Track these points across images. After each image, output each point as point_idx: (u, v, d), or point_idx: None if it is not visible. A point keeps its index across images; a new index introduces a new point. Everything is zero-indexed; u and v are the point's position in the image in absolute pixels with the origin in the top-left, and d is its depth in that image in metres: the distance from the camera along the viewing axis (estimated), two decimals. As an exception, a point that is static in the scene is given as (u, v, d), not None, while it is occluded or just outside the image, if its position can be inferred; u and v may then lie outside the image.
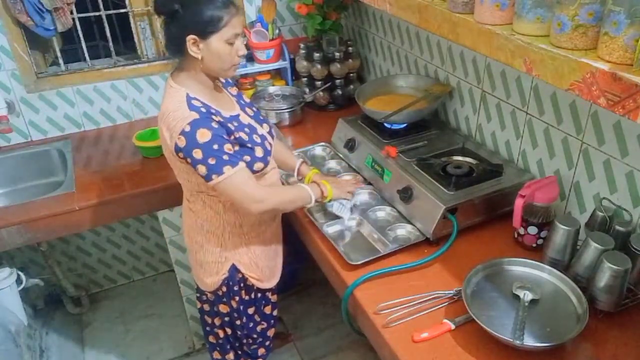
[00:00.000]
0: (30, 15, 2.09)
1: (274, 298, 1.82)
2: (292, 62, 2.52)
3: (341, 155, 2.01)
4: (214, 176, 1.39)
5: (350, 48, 2.46)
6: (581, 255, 1.32)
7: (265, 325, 1.82)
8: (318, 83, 2.45)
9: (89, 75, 2.37)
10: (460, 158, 1.76)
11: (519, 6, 1.09)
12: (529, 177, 1.66)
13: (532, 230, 1.49)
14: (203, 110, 1.41)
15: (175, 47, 1.43)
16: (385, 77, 2.32)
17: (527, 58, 1.07)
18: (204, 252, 1.62)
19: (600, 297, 1.25)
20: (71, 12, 2.21)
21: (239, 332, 1.77)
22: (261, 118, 1.65)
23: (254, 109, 1.66)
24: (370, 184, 1.83)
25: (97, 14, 2.31)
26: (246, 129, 1.52)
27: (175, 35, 1.40)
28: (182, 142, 1.37)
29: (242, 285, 1.66)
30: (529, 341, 1.20)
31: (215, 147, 1.38)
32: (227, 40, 1.41)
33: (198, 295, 1.81)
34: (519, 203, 1.46)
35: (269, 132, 1.63)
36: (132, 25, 2.39)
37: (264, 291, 1.74)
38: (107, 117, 2.47)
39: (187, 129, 1.36)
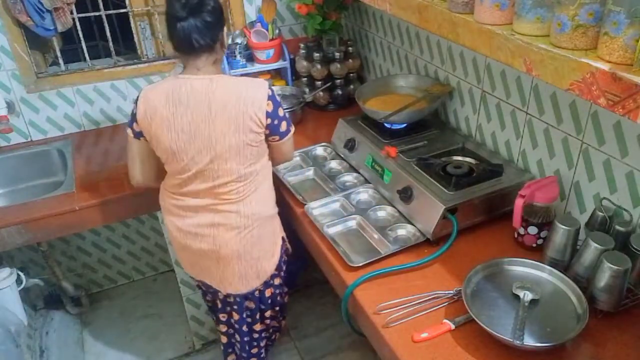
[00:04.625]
0: (30, 15, 2.09)
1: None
2: (292, 62, 2.52)
3: (342, 155, 2.01)
4: (291, 128, 1.63)
5: (350, 48, 2.46)
6: (581, 255, 1.32)
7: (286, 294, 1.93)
8: (318, 83, 2.45)
9: (89, 75, 2.37)
10: (460, 158, 1.76)
11: (519, 6, 1.09)
12: (529, 177, 1.66)
13: (532, 230, 1.49)
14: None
15: (211, 41, 1.50)
16: (385, 77, 2.32)
17: (527, 58, 1.07)
18: (264, 238, 1.66)
19: (600, 297, 1.25)
20: (71, 12, 2.21)
21: (278, 310, 1.86)
22: None
23: None
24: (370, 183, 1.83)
25: (97, 14, 2.31)
26: None
27: (216, 31, 1.51)
28: (270, 106, 1.52)
29: (283, 253, 1.76)
30: (529, 341, 1.20)
31: (281, 112, 1.58)
32: None
33: (240, 302, 1.73)
34: (519, 203, 1.46)
35: None
36: (132, 25, 2.39)
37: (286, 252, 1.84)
38: (107, 117, 2.47)
39: (270, 92, 1.53)
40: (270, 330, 1.98)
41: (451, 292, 1.38)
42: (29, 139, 2.37)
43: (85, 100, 2.40)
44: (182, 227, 1.63)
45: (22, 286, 2.11)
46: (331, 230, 1.65)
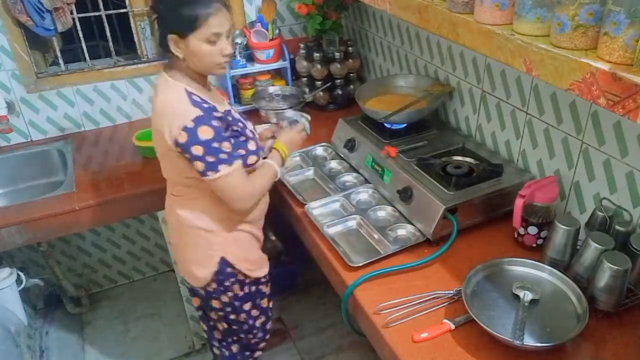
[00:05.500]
0: (30, 15, 2.09)
1: (268, 290, 1.83)
2: (292, 62, 2.52)
3: (342, 155, 2.01)
4: (209, 173, 1.43)
5: (350, 48, 2.46)
6: (581, 255, 1.32)
7: (263, 319, 1.83)
8: (318, 83, 2.45)
9: (89, 75, 2.37)
10: (460, 158, 1.76)
11: (519, 6, 1.09)
12: (529, 177, 1.66)
13: (532, 230, 1.49)
14: (205, 106, 1.43)
15: (163, 47, 1.45)
16: (385, 77, 2.32)
17: (527, 58, 1.07)
18: (194, 246, 1.62)
19: (600, 297, 1.25)
20: (71, 12, 2.21)
21: (234, 327, 1.77)
22: (243, 115, 1.70)
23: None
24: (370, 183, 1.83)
25: (97, 14, 2.31)
26: (239, 123, 1.57)
27: (161, 35, 1.43)
28: (183, 138, 1.39)
29: (233, 280, 1.66)
30: (529, 341, 1.20)
31: (215, 145, 1.41)
32: (207, 40, 1.40)
33: (191, 292, 1.82)
34: (519, 203, 1.46)
35: (253, 129, 1.69)
36: (132, 25, 2.39)
37: (257, 283, 1.75)
38: (107, 117, 2.47)
39: (190, 125, 1.38)
40: (234, 345, 1.89)
41: (451, 292, 1.38)
42: (29, 139, 2.37)
43: (85, 100, 2.39)
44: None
45: (22, 286, 2.11)
46: (331, 230, 1.64)
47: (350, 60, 2.46)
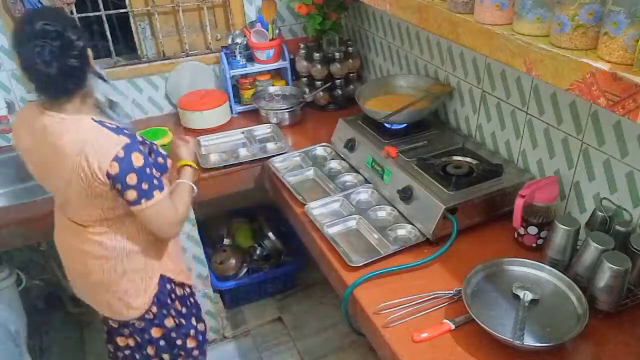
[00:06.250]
0: (30, 15, 2.09)
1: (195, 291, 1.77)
2: (292, 62, 2.52)
3: (342, 155, 2.01)
4: (143, 201, 1.35)
5: (350, 48, 2.46)
6: (581, 255, 1.32)
7: (203, 325, 1.75)
8: (318, 83, 2.46)
9: (89, 75, 2.37)
10: (460, 158, 1.76)
11: (519, 6, 1.09)
12: (529, 177, 1.66)
13: (532, 230, 1.49)
14: (127, 132, 1.35)
15: (78, 77, 1.33)
16: (385, 77, 2.32)
17: (527, 58, 1.07)
18: (127, 276, 1.50)
19: (600, 297, 1.25)
20: (71, 12, 2.21)
21: (182, 352, 1.66)
22: None
23: None
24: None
25: (97, 13, 2.31)
26: (156, 149, 1.51)
27: (75, 65, 1.30)
28: (114, 169, 1.29)
29: (173, 296, 1.60)
30: (529, 341, 1.20)
31: (148, 171, 1.35)
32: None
33: (114, 333, 1.63)
34: (519, 203, 1.46)
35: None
36: (132, 25, 2.39)
37: (192, 294, 1.71)
38: (107, 117, 2.47)
39: (121, 154, 1.30)
40: None
41: (451, 292, 1.38)
42: (29, 139, 2.37)
43: (85, 100, 2.39)
44: (62, 243, 1.57)
45: (22, 286, 2.11)
46: (331, 230, 1.65)
47: (350, 60, 2.46)
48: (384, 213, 1.71)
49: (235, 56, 2.41)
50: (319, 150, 2.09)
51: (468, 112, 1.94)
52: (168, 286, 1.59)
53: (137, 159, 1.32)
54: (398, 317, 1.31)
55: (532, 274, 1.39)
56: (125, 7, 2.35)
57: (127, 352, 1.64)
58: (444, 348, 1.24)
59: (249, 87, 2.50)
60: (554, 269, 1.37)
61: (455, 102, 1.99)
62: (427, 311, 1.34)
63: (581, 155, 1.50)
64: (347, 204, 1.75)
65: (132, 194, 1.34)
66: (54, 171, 1.37)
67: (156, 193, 1.38)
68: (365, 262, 1.49)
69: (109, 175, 1.30)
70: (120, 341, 1.63)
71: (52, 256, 2.47)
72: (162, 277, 1.56)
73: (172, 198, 1.48)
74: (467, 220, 1.58)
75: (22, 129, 1.43)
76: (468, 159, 1.75)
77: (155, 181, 1.37)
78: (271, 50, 2.45)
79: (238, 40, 2.43)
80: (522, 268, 1.41)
